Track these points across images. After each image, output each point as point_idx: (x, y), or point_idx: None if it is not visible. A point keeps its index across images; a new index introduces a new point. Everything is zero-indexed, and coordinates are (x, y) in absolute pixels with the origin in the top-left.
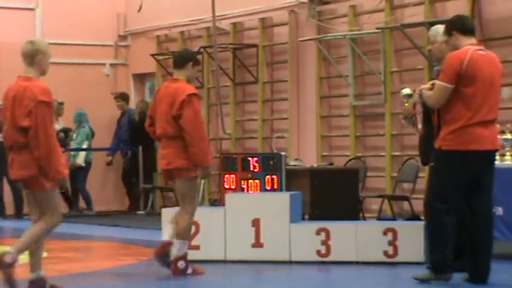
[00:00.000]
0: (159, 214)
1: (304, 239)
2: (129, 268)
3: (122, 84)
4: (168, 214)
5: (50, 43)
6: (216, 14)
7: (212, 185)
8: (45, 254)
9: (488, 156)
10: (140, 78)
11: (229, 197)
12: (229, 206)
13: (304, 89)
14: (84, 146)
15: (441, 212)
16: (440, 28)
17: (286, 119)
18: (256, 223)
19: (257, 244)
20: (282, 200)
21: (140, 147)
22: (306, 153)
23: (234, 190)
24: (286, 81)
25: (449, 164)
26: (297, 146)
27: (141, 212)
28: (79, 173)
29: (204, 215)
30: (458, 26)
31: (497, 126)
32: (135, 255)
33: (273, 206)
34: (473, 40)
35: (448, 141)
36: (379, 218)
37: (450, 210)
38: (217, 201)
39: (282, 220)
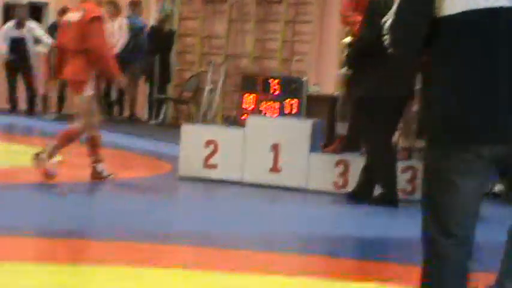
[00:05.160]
0: (170, 125)
1: (322, 169)
2: (145, 181)
3: None
4: (187, 129)
5: None
6: None
7: (226, 102)
8: (59, 158)
9: None
10: None
11: (250, 120)
12: (249, 128)
13: (330, 12)
14: None
15: None
16: None
17: (307, 42)
18: (275, 148)
19: (275, 169)
20: (304, 127)
21: (157, 57)
22: (325, 79)
23: (252, 111)
24: (312, 3)
25: None
26: (315, 71)
27: (153, 122)
28: None
29: (223, 134)
30: None
31: None
32: (151, 167)
33: (294, 132)
34: None
35: None
36: None
37: None
38: (230, 119)
39: (302, 148)
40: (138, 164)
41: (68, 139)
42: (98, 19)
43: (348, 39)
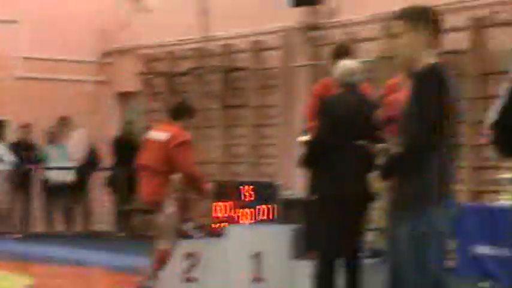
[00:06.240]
0: (140, 236)
1: (308, 275)
2: None
3: (104, 103)
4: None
5: (32, 58)
6: (207, 35)
7: (194, 210)
8: (31, 281)
9: None
10: (124, 97)
11: (230, 230)
12: (229, 239)
13: (295, 115)
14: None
15: None
16: None
17: (275, 144)
18: (256, 257)
19: (258, 279)
20: (283, 234)
21: (121, 169)
22: (295, 180)
23: (224, 219)
24: (277, 106)
25: None
26: (285, 173)
27: (122, 234)
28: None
29: (202, 246)
30: None
31: None
32: (123, 283)
33: (274, 240)
34: None
35: None
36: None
37: None
38: (203, 228)
39: (284, 255)
40: (113, 282)
41: (162, 262)
42: (186, 143)
43: (305, 138)
